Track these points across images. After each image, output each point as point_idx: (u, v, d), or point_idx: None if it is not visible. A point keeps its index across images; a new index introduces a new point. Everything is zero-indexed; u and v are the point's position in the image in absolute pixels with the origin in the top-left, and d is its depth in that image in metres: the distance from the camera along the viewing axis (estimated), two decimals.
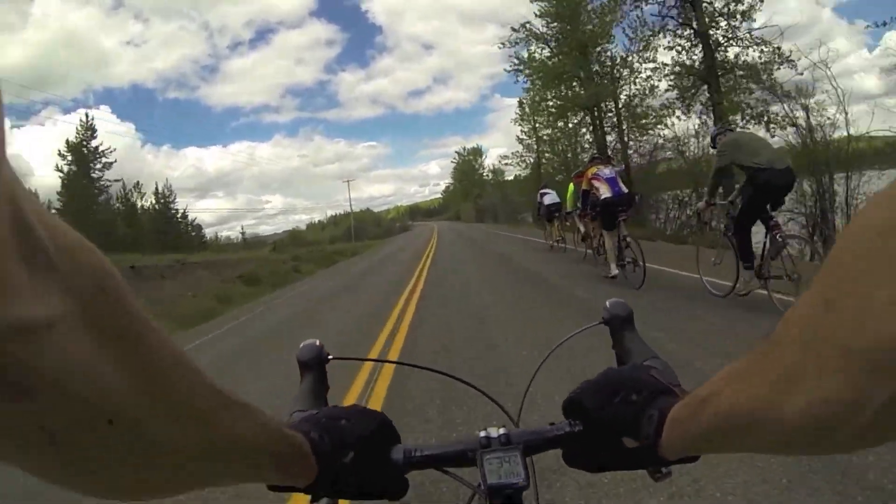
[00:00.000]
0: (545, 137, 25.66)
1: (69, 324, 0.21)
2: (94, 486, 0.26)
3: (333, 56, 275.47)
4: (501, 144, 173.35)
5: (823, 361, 0.25)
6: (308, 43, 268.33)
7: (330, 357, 0.62)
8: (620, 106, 18.46)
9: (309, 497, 0.47)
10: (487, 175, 67.55)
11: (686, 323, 4.01)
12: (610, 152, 17.51)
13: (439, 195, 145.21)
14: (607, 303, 0.64)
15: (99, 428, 0.23)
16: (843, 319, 0.23)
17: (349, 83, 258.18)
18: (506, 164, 28.91)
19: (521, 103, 28.34)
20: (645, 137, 17.89)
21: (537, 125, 27.02)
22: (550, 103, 21.35)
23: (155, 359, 0.26)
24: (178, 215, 37.99)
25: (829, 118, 9.67)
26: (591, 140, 20.65)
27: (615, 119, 18.92)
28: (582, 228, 8.34)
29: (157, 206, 36.16)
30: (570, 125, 21.96)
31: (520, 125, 28.58)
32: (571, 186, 9.11)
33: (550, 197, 11.16)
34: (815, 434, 0.27)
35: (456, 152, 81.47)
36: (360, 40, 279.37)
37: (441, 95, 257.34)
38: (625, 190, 6.05)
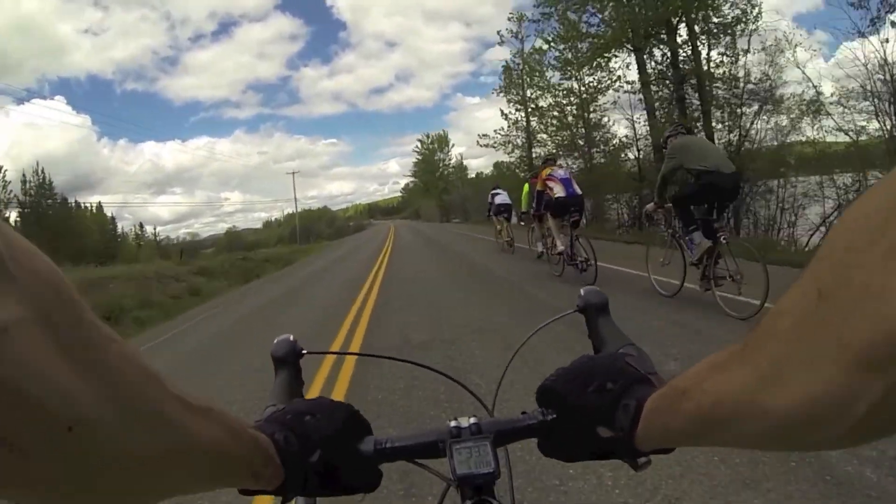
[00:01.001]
0: (547, 108, 19.29)
1: (25, 329, 0.21)
2: (57, 499, 0.24)
3: (296, 51, 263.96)
4: (462, 143, 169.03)
5: (815, 354, 0.24)
6: (271, 37, 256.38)
7: (304, 352, 0.62)
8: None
9: (279, 498, 0.45)
10: (452, 169, 60.69)
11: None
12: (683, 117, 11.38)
13: (399, 193, 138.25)
14: (582, 290, 0.63)
15: (58, 436, 0.22)
16: (837, 311, 0.22)
17: (311, 79, 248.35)
18: (485, 144, 22.40)
19: (506, 69, 22.09)
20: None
21: (529, 95, 20.74)
22: (561, 52, 15.00)
23: (113, 364, 0.25)
24: (70, 211, 29.85)
25: None
26: (638, 96, 14.12)
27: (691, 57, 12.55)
28: (536, 229, 8.41)
29: (24, 200, 27.71)
30: (595, 79, 15.79)
31: (505, 95, 22.20)
32: (526, 187, 9.23)
33: (501, 197, 11.01)
34: (802, 429, 0.26)
35: (418, 140, 68.37)
36: (324, 36, 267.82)
37: (403, 93, 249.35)
38: (578, 191, 6.21)
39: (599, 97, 16.69)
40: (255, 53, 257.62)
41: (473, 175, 53.87)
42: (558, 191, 6.14)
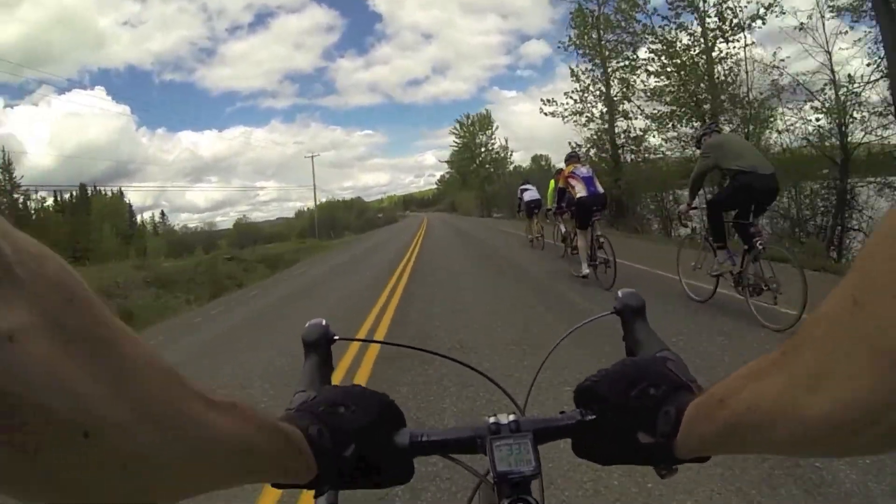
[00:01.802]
0: (646, 61, 13.49)
1: (34, 335, 0.21)
2: (78, 502, 0.24)
3: (332, 42, 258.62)
4: (499, 137, 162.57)
5: (851, 361, 0.24)
6: (308, 28, 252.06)
7: (336, 337, 0.61)
8: None
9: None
10: (496, 154, 51.68)
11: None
12: None
13: (434, 185, 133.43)
14: (619, 292, 0.63)
15: (76, 442, 0.22)
16: (873, 319, 0.23)
17: (347, 70, 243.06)
18: (550, 112, 16.98)
19: (577, 13, 16.12)
20: None
21: (607, 48, 14.94)
22: None
23: (130, 365, 0.25)
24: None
25: None
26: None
27: None
28: (563, 227, 8.26)
29: None
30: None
31: (576, 48, 16.22)
32: (552, 183, 8.98)
33: (530, 193, 11.04)
34: (838, 435, 0.26)
35: (456, 122, 55.38)
36: (360, 27, 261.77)
37: (439, 86, 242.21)
38: (600, 190, 6.03)
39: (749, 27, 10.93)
40: (291, 44, 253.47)
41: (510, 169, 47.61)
42: (580, 190, 5.99)
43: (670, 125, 12.94)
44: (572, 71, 16.09)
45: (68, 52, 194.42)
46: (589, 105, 16.08)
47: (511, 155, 49.71)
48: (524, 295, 6.11)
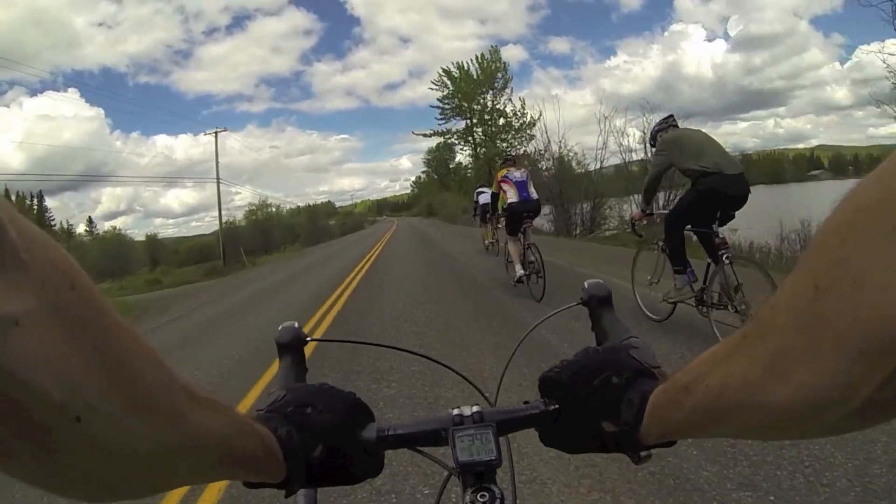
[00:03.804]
0: None
1: (37, 320, 0.21)
2: (69, 487, 0.25)
3: (310, 46, 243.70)
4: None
5: (816, 346, 0.24)
6: (285, 31, 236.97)
7: (308, 339, 0.62)
8: None
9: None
10: (510, 118, 33.85)
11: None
12: None
13: (409, 188, 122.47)
14: (585, 283, 0.63)
15: (67, 426, 0.22)
16: (834, 304, 0.23)
17: (324, 74, 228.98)
18: None
19: None
20: None
21: None
22: None
23: (124, 355, 0.25)
24: None
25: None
26: None
27: None
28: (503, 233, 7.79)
29: None
30: None
31: None
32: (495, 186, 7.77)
33: (485, 196, 10.32)
34: (803, 419, 0.27)
35: (441, 73, 37.99)
36: (338, 31, 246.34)
37: (416, 90, 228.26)
38: (534, 195, 5.74)
39: None
40: (268, 48, 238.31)
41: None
42: (511, 195, 5.63)
43: None
44: None
45: (41, 53, 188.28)
46: None
47: (535, 124, 31.32)
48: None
